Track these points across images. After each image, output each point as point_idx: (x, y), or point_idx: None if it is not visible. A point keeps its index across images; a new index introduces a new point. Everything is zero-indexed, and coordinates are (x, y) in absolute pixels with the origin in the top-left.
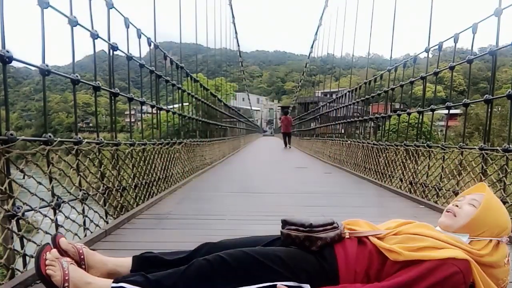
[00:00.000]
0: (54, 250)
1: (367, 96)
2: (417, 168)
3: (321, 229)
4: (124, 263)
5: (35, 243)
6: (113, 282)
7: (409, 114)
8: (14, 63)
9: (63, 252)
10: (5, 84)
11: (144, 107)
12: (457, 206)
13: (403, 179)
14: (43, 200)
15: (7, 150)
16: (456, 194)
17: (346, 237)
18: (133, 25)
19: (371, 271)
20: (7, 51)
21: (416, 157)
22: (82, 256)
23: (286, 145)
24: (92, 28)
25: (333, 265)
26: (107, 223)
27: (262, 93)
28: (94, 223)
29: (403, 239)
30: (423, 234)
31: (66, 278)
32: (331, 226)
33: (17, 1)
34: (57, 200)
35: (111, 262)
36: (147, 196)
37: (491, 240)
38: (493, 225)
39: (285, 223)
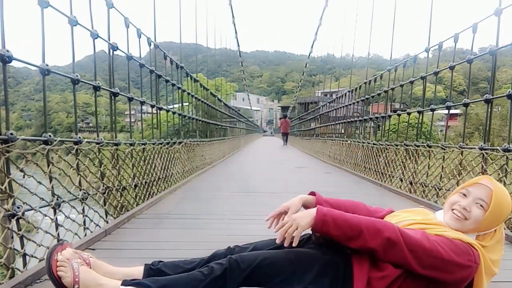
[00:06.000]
0: (66, 251)
1: (367, 96)
2: (417, 168)
3: None
4: (135, 272)
5: (35, 242)
6: (122, 284)
7: (409, 114)
8: (14, 63)
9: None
10: (5, 84)
11: (144, 107)
12: (465, 209)
13: (403, 179)
14: (43, 199)
15: (7, 149)
16: None
17: None
18: (133, 25)
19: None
20: (7, 51)
21: (416, 157)
22: (89, 267)
23: (284, 143)
24: (92, 28)
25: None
26: (107, 222)
27: (262, 93)
28: (94, 223)
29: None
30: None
31: (76, 280)
32: None
33: (17, 1)
34: (57, 199)
35: (121, 273)
36: (147, 196)
37: (495, 230)
38: (500, 220)
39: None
